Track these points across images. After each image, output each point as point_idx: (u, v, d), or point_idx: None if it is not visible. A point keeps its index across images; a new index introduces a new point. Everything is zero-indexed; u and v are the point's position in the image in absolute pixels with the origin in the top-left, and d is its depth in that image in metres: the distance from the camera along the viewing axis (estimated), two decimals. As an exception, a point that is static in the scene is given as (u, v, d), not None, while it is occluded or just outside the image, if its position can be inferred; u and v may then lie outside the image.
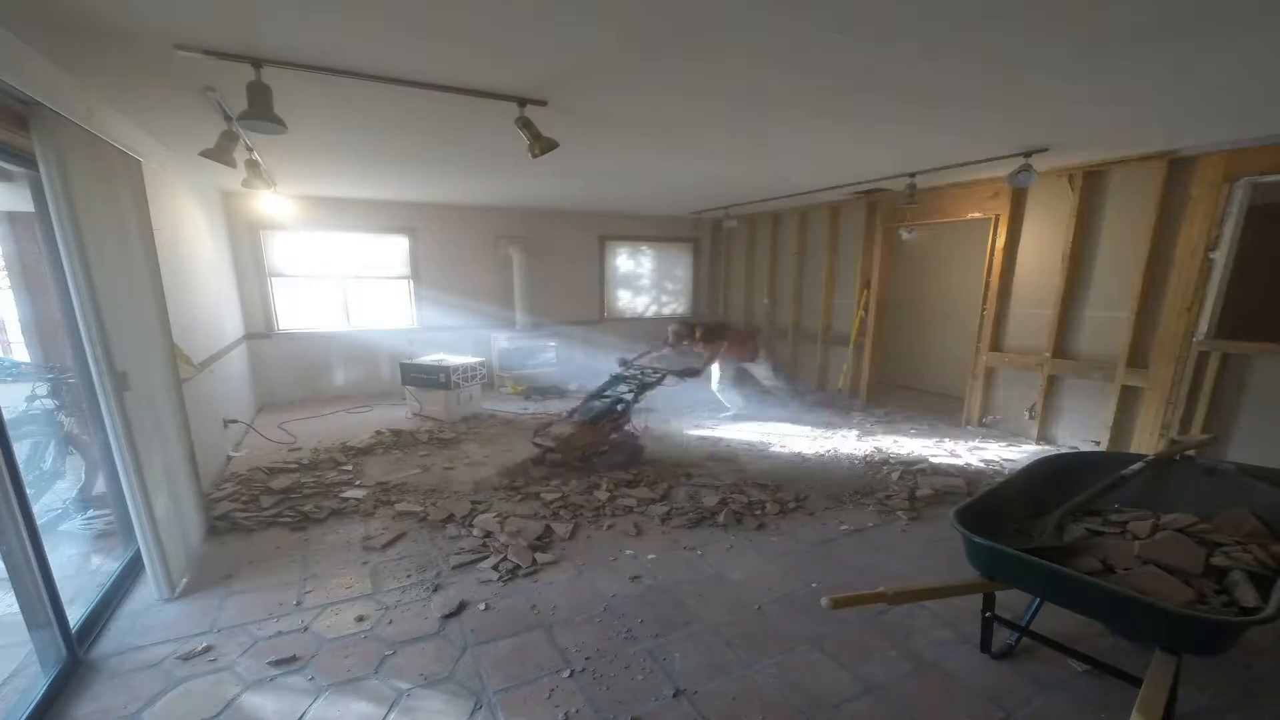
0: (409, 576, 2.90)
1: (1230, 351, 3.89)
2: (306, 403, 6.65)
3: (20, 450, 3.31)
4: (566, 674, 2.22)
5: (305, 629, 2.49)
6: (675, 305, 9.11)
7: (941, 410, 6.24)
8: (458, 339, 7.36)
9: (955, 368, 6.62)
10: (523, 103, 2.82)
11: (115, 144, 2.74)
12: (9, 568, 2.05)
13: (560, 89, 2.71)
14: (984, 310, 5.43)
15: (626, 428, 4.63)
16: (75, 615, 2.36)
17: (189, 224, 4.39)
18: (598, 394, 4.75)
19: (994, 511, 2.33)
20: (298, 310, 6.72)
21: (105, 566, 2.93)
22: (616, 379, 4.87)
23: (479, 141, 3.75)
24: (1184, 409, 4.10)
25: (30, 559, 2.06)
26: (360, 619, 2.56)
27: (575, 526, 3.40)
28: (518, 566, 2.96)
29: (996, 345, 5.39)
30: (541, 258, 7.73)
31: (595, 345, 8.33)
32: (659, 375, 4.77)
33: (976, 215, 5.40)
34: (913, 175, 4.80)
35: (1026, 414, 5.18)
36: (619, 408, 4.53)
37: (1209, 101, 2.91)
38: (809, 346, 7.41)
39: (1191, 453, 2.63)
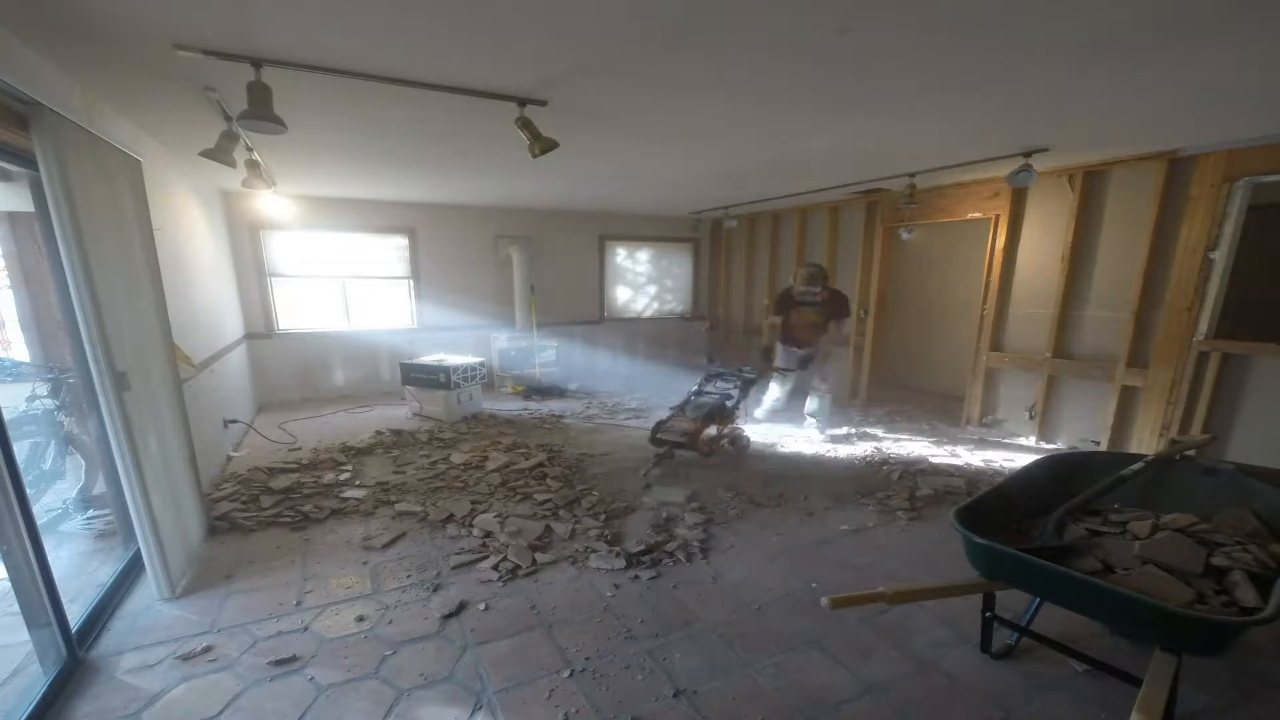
0: (409, 576, 2.90)
1: (1230, 351, 3.89)
2: (306, 403, 6.65)
3: (20, 450, 3.30)
4: (566, 674, 2.22)
5: (305, 629, 2.49)
6: (675, 305, 9.12)
7: (941, 410, 6.24)
8: (458, 339, 7.35)
9: (955, 368, 6.62)
10: (523, 103, 2.82)
11: (115, 144, 2.74)
12: (9, 568, 2.05)
13: (560, 89, 2.71)
14: (984, 310, 5.43)
15: (735, 424, 4.67)
16: (75, 615, 2.36)
17: (189, 224, 4.39)
18: (700, 391, 4.73)
19: (994, 511, 2.33)
20: (298, 310, 6.72)
21: (105, 566, 2.93)
22: (712, 376, 4.79)
23: (479, 141, 3.75)
24: (1184, 409, 4.10)
25: (30, 559, 2.06)
26: (360, 619, 2.56)
27: (574, 530, 3.41)
28: (518, 566, 2.96)
29: (996, 345, 5.39)
30: (541, 258, 7.73)
31: (595, 345, 8.33)
32: (756, 372, 4.74)
33: (976, 215, 5.40)
34: (913, 175, 4.80)
35: (1026, 414, 5.18)
36: (728, 404, 4.54)
37: (1209, 101, 2.91)
38: (809, 346, 7.41)
39: (1191, 453, 2.63)
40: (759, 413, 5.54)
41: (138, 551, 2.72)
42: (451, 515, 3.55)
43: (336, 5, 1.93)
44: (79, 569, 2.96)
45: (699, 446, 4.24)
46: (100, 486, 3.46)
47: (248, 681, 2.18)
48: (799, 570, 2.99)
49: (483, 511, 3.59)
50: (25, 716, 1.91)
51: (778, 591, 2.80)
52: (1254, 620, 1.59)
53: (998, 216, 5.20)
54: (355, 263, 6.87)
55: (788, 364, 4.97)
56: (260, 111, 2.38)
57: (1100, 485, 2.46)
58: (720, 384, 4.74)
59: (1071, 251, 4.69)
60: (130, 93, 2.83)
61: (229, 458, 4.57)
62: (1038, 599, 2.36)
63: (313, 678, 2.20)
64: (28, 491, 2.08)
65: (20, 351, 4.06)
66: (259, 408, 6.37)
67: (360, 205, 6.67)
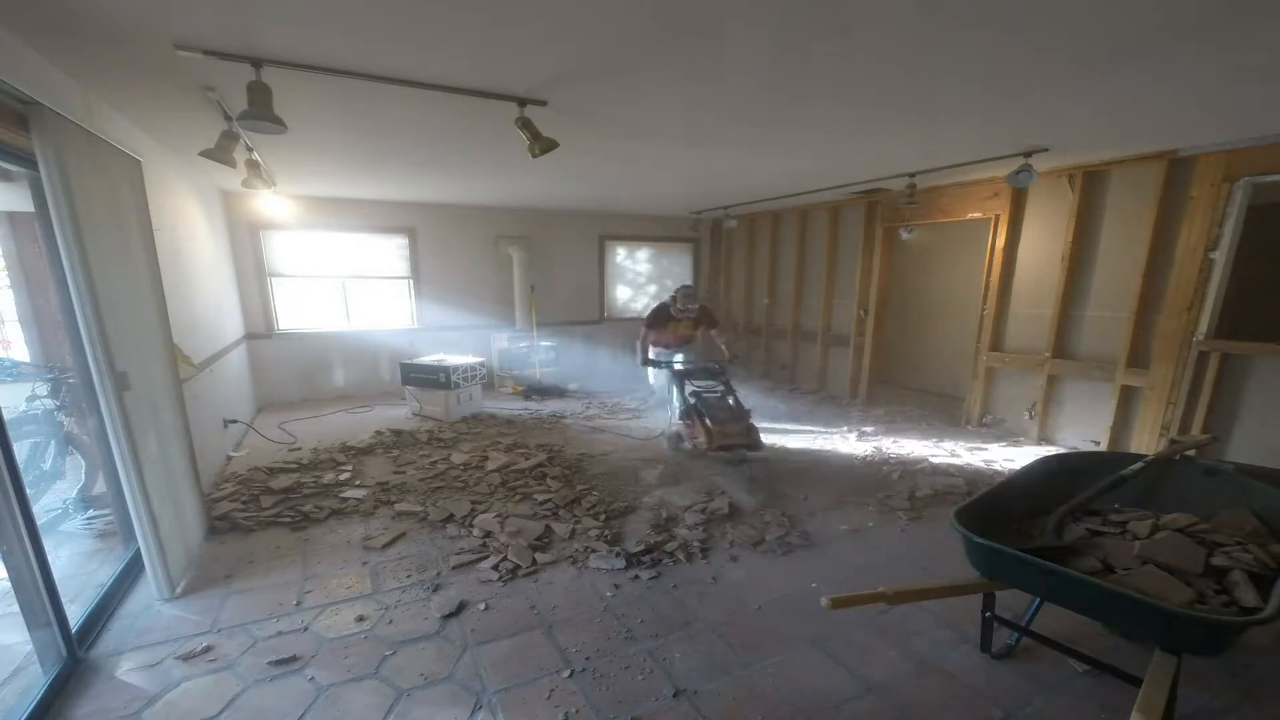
0: (409, 576, 2.90)
1: (1230, 351, 3.89)
2: (306, 403, 6.65)
3: (20, 450, 3.31)
4: (566, 674, 2.22)
5: (305, 629, 2.49)
6: (675, 305, 9.11)
7: (941, 410, 6.24)
8: (458, 339, 7.35)
9: (955, 368, 6.61)
10: (523, 103, 2.82)
11: (115, 144, 2.74)
12: (9, 568, 2.05)
13: (560, 89, 2.71)
14: (984, 310, 5.43)
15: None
16: (75, 615, 2.36)
17: (189, 224, 4.39)
18: (700, 394, 4.57)
19: (994, 511, 2.33)
20: (298, 310, 6.72)
21: (105, 566, 2.93)
22: (687, 374, 4.78)
23: (479, 141, 3.75)
24: (1184, 409, 4.10)
25: (30, 559, 2.06)
26: (360, 619, 2.56)
27: (574, 530, 3.41)
28: (518, 566, 2.96)
29: (996, 345, 5.39)
30: (541, 258, 7.73)
31: (595, 345, 8.34)
32: (719, 365, 4.88)
33: (976, 215, 5.40)
34: (913, 175, 4.80)
35: (1026, 414, 5.18)
36: (730, 400, 4.49)
37: (1209, 102, 2.91)
38: (809, 346, 7.42)
39: (1191, 453, 2.63)
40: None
41: (138, 551, 2.72)
42: (451, 515, 3.55)
43: (337, 5, 1.93)
44: (79, 569, 2.96)
45: (760, 445, 4.22)
46: (100, 486, 3.46)
47: (248, 681, 2.18)
48: (799, 570, 2.99)
49: (483, 511, 3.59)
50: (25, 716, 1.91)
51: (778, 591, 2.80)
52: (1254, 620, 1.59)
53: (998, 216, 5.20)
54: (355, 263, 6.86)
55: (673, 360, 5.28)
56: (260, 111, 2.38)
57: (1100, 485, 2.46)
58: (702, 381, 4.70)
59: (1071, 251, 4.68)
60: (130, 93, 2.83)
61: (229, 458, 4.57)
62: (1038, 599, 2.36)
63: (313, 678, 2.20)
64: (28, 491, 2.08)
65: (20, 351, 4.07)
66: (259, 408, 6.37)
67: (360, 205, 6.67)
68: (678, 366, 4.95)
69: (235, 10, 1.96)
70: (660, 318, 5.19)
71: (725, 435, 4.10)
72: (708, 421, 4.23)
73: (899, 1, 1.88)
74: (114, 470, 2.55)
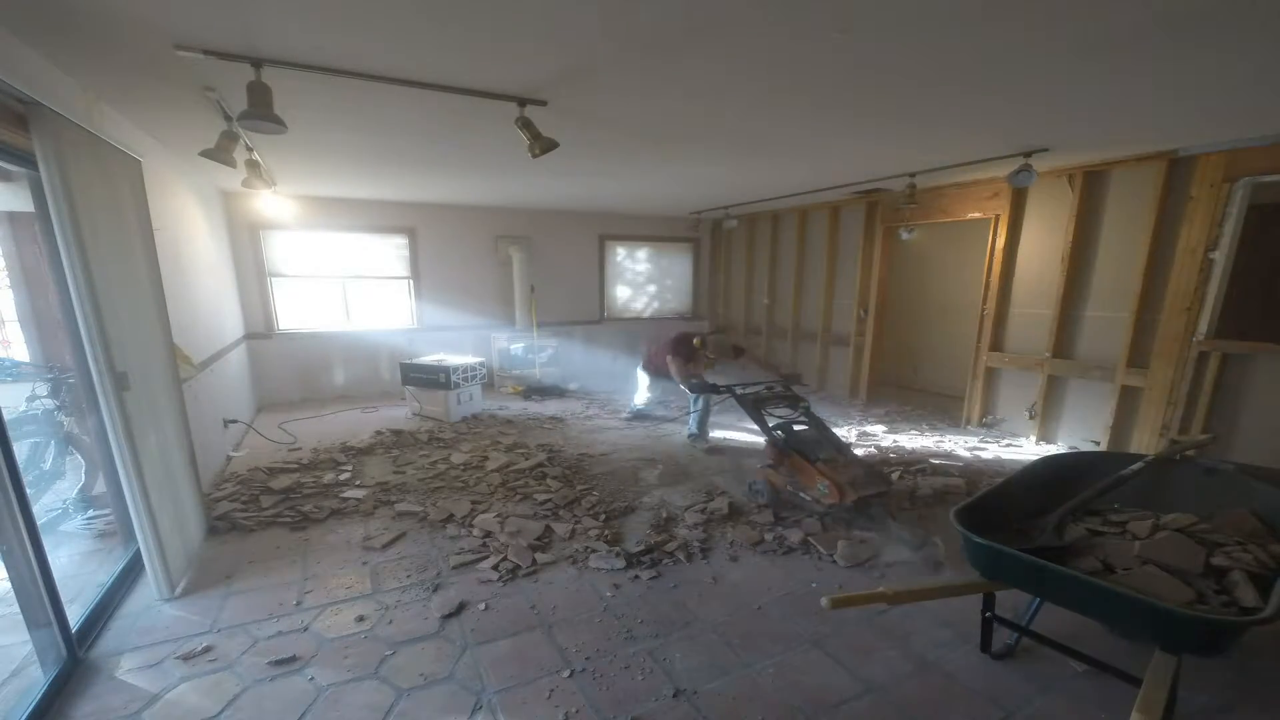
0: (409, 576, 2.90)
1: (1230, 351, 3.89)
2: (306, 403, 6.65)
3: (20, 450, 3.30)
4: (566, 674, 2.22)
5: (305, 629, 2.49)
6: (675, 305, 9.12)
7: (941, 410, 6.24)
8: (458, 339, 7.36)
9: (955, 368, 6.62)
10: (523, 103, 2.82)
11: (115, 144, 2.74)
12: (9, 568, 2.05)
13: (560, 89, 2.71)
14: (984, 310, 5.43)
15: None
16: (75, 615, 2.36)
17: (189, 224, 4.39)
18: (786, 425, 3.89)
19: (994, 511, 2.33)
20: (298, 310, 6.72)
21: (105, 566, 2.93)
22: (759, 401, 4.05)
23: (479, 141, 3.75)
24: (1184, 409, 4.10)
25: (30, 559, 2.06)
26: (360, 619, 2.56)
27: (574, 530, 3.40)
28: (518, 566, 2.96)
29: (996, 345, 5.39)
30: (541, 258, 7.73)
31: (595, 345, 8.34)
32: (786, 386, 4.36)
33: (976, 215, 5.40)
34: (913, 175, 4.80)
35: (1026, 414, 5.18)
36: (829, 435, 3.86)
37: (1209, 102, 2.91)
38: (809, 346, 7.42)
39: (1191, 453, 2.63)
40: (640, 400, 5.92)
41: (138, 551, 2.72)
42: (451, 515, 3.55)
43: (337, 5, 1.93)
44: (79, 569, 2.96)
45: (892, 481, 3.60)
46: (100, 486, 3.46)
47: (248, 681, 2.18)
48: (799, 570, 2.99)
49: (483, 511, 3.59)
50: (25, 716, 1.91)
51: (778, 591, 2.80)
52: (1254, 620, 1.59)
53: (998, 216, 5.20)
54: (355, 263, 6.87)
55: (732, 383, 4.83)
56: (260, 111, 2.38)
57: (1100, 485, 2.46)
58: (781, 409, 4.07)
59: (1071, 251, 4.68)
60: (130, 93, 2.83)
61: (229, 458, 4.57)
62: (1038, 599, 2.36)
63: (313, 678, 2.20)
64: (28, 491, 2.08)
65: (20, 351, 4.06)
66: (259, 408, 6.37)
67: (360, 205, 6.67)
68: (741, 391, 4.11)
69: (235, 10, 1.96)
70: (688, 352, 5.06)
71: (857, 485, 3.29)
72: (821, 467, 3.43)
73: (898, 2, 1.88)
74: (114, 470, 2.55)
